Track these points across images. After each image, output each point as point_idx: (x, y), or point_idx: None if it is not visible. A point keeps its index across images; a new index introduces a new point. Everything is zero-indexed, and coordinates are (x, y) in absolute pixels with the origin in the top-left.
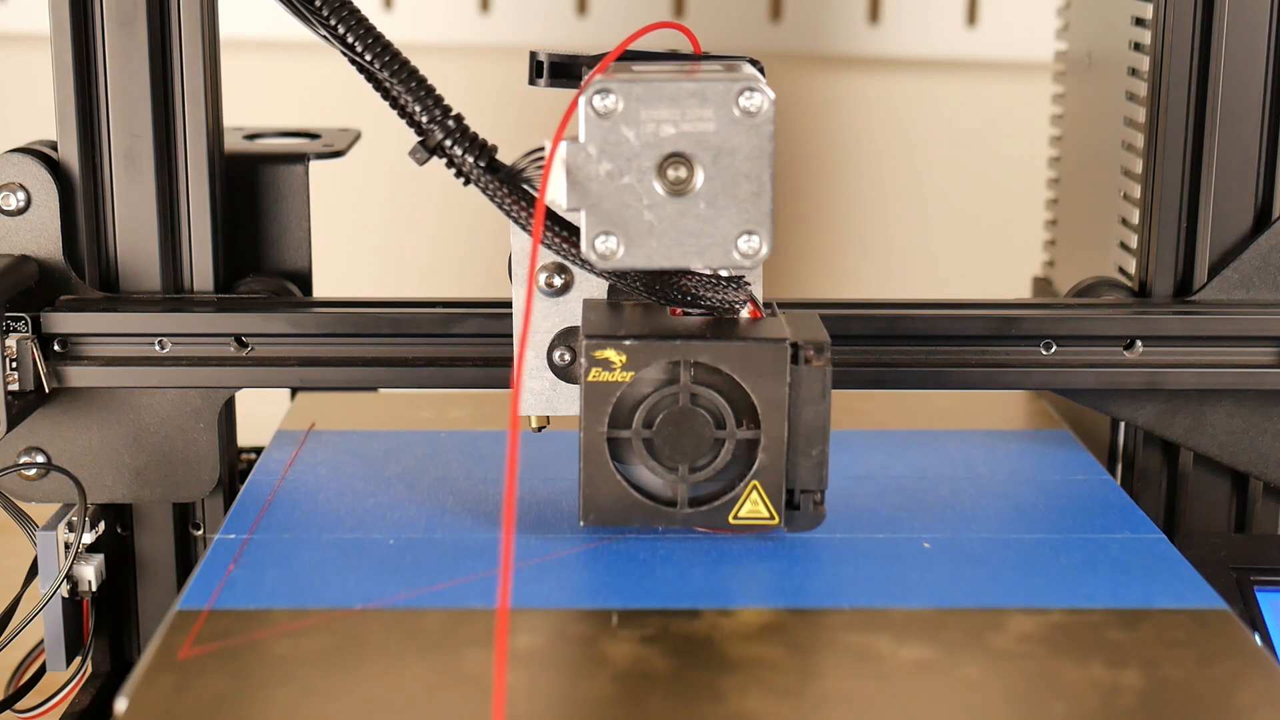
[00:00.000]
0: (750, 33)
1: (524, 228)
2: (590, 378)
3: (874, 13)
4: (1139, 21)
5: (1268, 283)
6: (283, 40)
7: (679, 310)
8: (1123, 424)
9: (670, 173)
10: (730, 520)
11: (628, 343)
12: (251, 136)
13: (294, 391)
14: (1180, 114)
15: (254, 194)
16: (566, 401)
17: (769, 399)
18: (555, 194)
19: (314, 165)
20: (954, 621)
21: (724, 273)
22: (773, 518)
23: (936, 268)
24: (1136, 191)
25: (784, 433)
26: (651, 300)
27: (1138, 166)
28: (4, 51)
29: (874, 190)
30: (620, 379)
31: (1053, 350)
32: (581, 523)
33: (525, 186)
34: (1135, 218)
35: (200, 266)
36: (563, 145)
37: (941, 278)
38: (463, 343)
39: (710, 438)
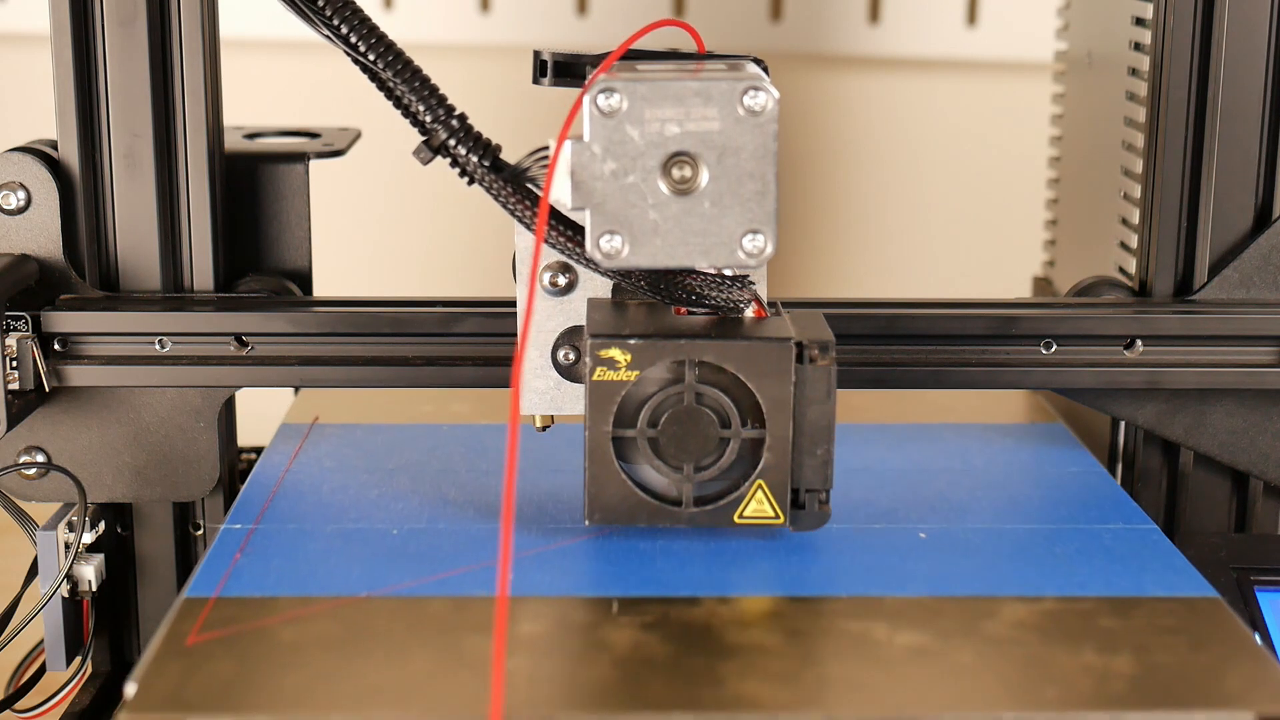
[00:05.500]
0: (750, 32)
1: (528, 227)
2: (595, 377)
3: (874, 13)
4: (1139, 21)
5: (1268, 282)
6: (283, 40)
7: (683, 309)
8: (1123, 424)
9: (675, 172)
10: (735, 519)
11: (633, 342)
12: (251, 136)
13: (297, 388)
14: (1180, 114)
15: (254, 193)
16: (571, 401)
17: (774, 398)
18: (560, 193)
19: (314, 165)
20: (949, 609)
21: (728, 272)
22: (778, 517)
23: (936, 268)
24: (1136, 191)
25: (789, 432)
26: (656, 299)
27: (1138, 166)
28: (4, 51)
29: (874, 190)
30: (625, 378)
31: (1053, 350)
32: (587, 522)
33: (529, 186)
34: (1135, 218)
35: (200, 266)
36: (567, 144)
37: (941, 278)
38: (463, 342)
39: (715, 437)
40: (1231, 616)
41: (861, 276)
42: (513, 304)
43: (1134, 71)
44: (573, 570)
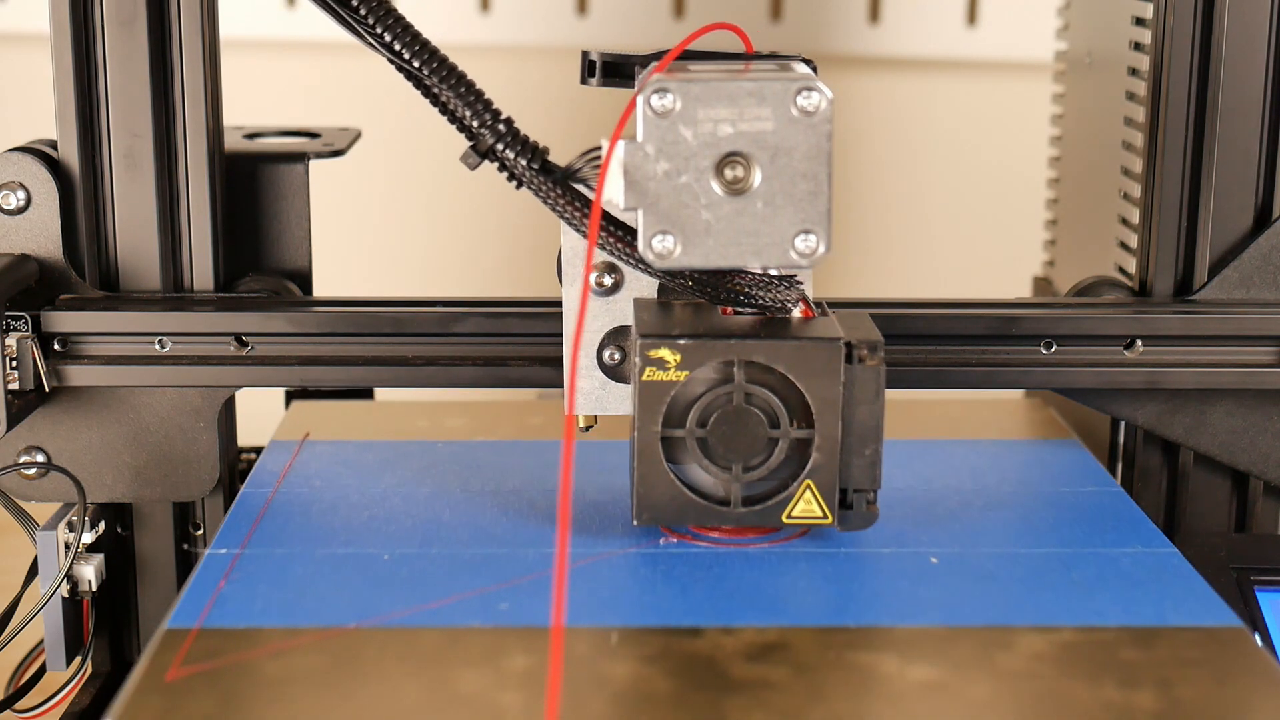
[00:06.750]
0: (750, 33)
1: (578, 228)
2: (644, 377)
3: (874, 13)
4: (1139, 21)
5: (1268, 282)
6: (283, 40)
7: (730, 309)
8: (1123, 424)
9: (728, 172)
10: (784, 519)
11: (682, 342)
12: (251, 136)
13: (288, 397)
14: (1180, 114)
15: (254, 193)
16: (616, 401)
17: (823, 398)
18: (612, 193)
19: (314, 165)
20: (962, 640)
21: (773, 271)
22: (826, 517)
23: (936, 268)
24: (1136, 191)
25: (838, 432)
26: (704, 299)
27: (1138, 166)
28: (4, 51)
29: (874, 190)
30: (674, 378)
31: (1053, 350)
32: (635, 522)
33: (580, 187)
34: (1135, 218)
35: (200, 266)
36: (620, 145)
37: (941, 278)
38: (462, 342)
39: (764, 437)
40: (1256, 647)
41: (861, 276)
42: (513, 304)
43: (1134, 71)
44: (570, 598)
